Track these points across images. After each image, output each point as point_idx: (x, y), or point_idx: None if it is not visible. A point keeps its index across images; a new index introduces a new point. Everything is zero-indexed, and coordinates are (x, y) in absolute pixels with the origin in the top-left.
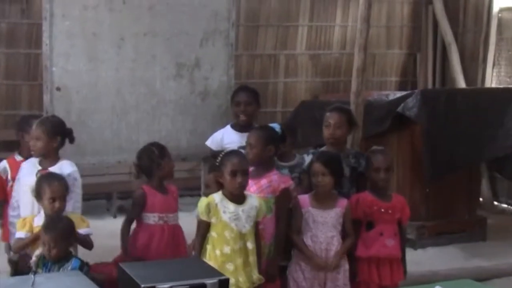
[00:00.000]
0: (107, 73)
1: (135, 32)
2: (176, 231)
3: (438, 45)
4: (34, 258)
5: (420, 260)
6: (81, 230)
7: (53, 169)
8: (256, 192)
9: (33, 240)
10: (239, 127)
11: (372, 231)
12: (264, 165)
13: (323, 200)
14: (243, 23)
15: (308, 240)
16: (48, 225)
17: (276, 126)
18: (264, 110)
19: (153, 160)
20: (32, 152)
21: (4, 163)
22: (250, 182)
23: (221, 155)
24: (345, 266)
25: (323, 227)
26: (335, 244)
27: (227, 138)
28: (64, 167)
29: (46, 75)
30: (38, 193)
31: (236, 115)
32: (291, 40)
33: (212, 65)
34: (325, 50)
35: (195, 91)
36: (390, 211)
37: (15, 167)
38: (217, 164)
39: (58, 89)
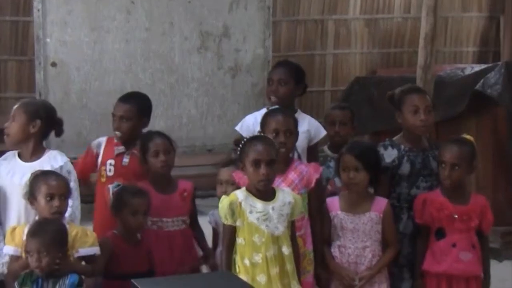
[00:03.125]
0: (114, 45)
1: None
2: (174, 239)
3: None
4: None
5: (507, 275)
6: (84, 250)
7: (41, 162)
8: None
9: None
10: None
11: (443, 241)
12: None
13: (355, 202)
14: None
15: (335, 251)
16: (36, 229)
17: None
18: (309, 89)
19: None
20: (5, 137)
21: (103, 139)
22: (276, 179)
23: (241, 143)
24: (382, 285)
25: (352, 236)
26: (368, 257)
27: None
28: (53, 158)
29: (38, 48)
30: (31, 194)
31: (267, 96)
32: (342, 2)
33: (244, 34)
34: (384, 13)
35: (224, 66)
36: (464, 218)
37: (110, 149)
38: (238, 152)
39: (54, 65)
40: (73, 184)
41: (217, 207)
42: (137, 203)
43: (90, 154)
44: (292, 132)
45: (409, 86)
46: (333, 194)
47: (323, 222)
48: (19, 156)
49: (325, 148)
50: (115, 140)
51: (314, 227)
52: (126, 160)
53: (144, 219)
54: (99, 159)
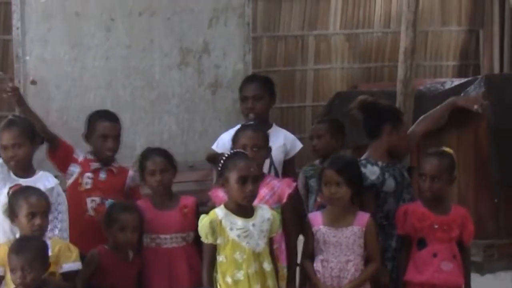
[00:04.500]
0: (94, 63)
1: (128, 11)
2: (173, 257)
3: (506, 20)
4: None
5: None
6: (67, 265)
7: (34, 180)
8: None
9: None
10: None
11: (424, 251)
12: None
13: (338, 216)
14: None
15: (318, 265)
16: (18, 246)
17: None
18: (290, 104)
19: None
20: (12, 163)
21: (82, 154)
22: None
23: (223, 158)
24: None
25: (335, 250)
26: (351, 271)
27: None
28: (46, 179)
29: (18, 66)
30: (12, 211)
31: (243, 113)
32: (322, 17)
33: (224, 50)
34: (364, 28)
35: (204, 82)
36: (445, 228)
37: (86, 163)
38: (219, 169)
39: (34, 83)
40: (63, 207)
41: None
42: (125, 219)
43: (71, 148)
44: (260, 147)
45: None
46: (323, 206)
47: (306, 236)
48: (12, 170)
49: (317, 162)
50: (88, 157)
51: (289, 242)
52: (103, 176)
53: (133, 235)
54: (77, 169)
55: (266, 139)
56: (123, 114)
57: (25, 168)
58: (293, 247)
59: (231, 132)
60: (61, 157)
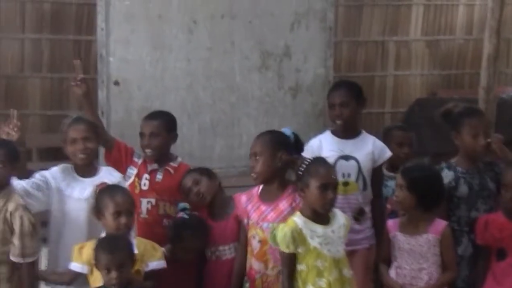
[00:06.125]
0: (175, 64)
1: (210, 14)
2: (232, 267)
3: None
4: None
5: None
6: (153, 263)
7: (100, 177)
8: (277, 221)
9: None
10: (341, 133)
11: (504, 262)
12: (277, 181)
13: (412, 223)
14: (343, 2)
15: (392, 272)
16: (111, 245)
17: (286, 131)
18: (369, 110)
19: None
20: (81, 156)
21: (142, 155)
22: (265, 208)
23: (304, 163)
24: None
25: (408, 257)
26: (424, 279)
27: (326, 146)
28: (110, 174)
29: (101, 66)
30: (98, 210)
31: (331, 120)
32: (403, 23)
33: (305, 54)
34: (446, 35)
35: (284, 86)
36: None
37: (145, 165)
38: (300, 173)
39: (116, 83)
40: None
41: None
42: (191, 244)
43: (130, 150)
44: (257, 155)
45: (467, 108)
46: (393, 212)
47: (382, 243)
48: (75, 171)
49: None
50: (147, 159)
51: None
52: (159, 176)
53: (193, 254)
54: (134, 171)
55: (269, 145)
56: (203, 116)
57: (91, 165)
58: None
59: (320, 138)
60: (116, 159)
